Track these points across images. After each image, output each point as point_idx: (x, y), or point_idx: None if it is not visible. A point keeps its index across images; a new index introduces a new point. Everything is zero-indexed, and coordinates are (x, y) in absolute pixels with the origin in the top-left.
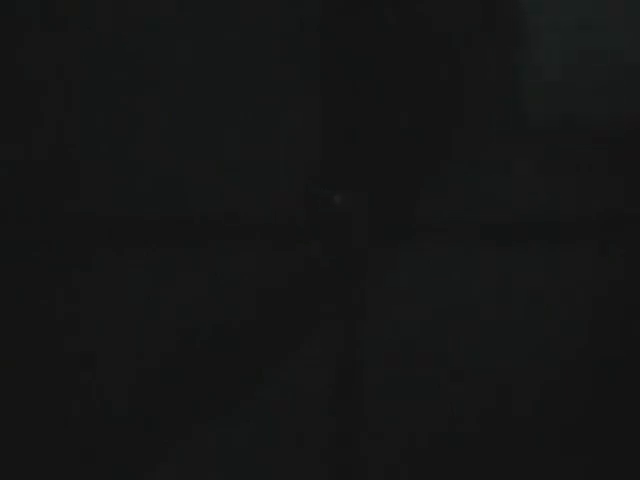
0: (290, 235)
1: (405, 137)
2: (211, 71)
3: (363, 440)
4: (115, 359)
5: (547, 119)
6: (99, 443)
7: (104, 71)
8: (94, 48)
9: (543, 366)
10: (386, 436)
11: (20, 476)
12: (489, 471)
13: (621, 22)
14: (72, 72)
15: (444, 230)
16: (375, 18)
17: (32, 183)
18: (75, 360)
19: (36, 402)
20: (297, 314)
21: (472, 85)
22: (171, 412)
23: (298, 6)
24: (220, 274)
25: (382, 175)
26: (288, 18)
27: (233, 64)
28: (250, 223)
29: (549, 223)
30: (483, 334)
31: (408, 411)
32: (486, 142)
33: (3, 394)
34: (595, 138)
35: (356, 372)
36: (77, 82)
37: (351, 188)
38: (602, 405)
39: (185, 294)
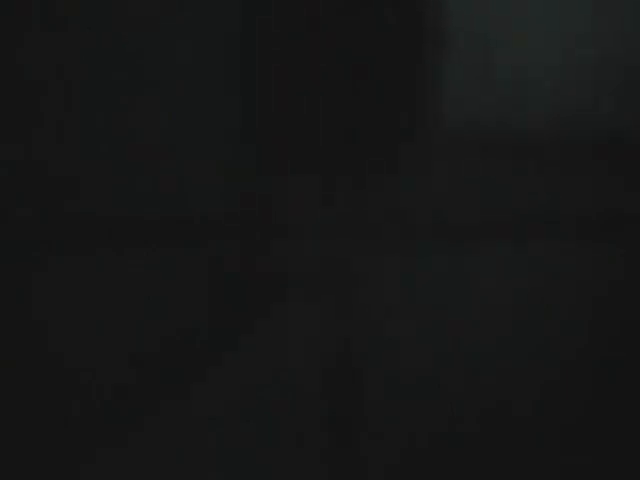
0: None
1: (398, 136)
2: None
3: (363, 440)
4: (114, 359)
5: (540, 121)
6: (99, 443)
7: (104, 71)
8: (94, 48)
9: (543, 366)
10: (386, 436)
11: (17, 476)
12: (489, 471)
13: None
14: (72, 72)
15: (444, 230)
16: (375, 18)
17: (32, 183)
18: (75, 360)
19: (35, 402)
20: (297, 313)
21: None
22: (170, 412)
23: (218, 17)
24: (220, 274)
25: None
26: (209, 26)
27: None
28: (251, 223)
29: (549, 223)
30: (483, 334)
31: (408, 411)
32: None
33: (3, 394)
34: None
35: (356, 372)
36: (77, 82)
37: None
38: (602, 405)
39: (185, 294)
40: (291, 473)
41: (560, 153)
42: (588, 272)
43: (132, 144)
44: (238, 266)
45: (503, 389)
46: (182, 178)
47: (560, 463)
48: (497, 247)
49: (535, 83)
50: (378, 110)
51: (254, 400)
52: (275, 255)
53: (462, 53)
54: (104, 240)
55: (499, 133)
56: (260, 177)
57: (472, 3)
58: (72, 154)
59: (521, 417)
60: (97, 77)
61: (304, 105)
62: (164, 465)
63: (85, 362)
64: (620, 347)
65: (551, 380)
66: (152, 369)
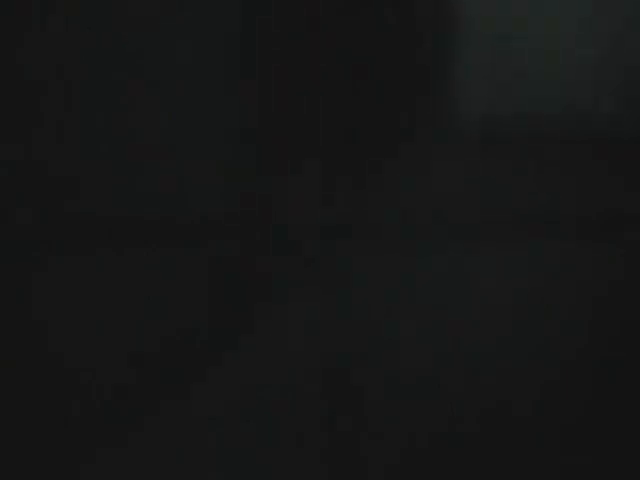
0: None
1: (395, 136)
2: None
3: (363, 440)
4: (114, 359)
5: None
6: (99, 443)
7: (104, 71)
8: (94, 48)
9: (543, 366)
10: (386, 436)
11: (17, 476)
12: (489, 471)
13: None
14: (72, 72)
15: (444, 230)
16: (375, 18)
17: (32, 183)
18: (75, 360)
19: (35, 402)
20: (297, 313)
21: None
22: (170, 412)
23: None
24: (220, 274)
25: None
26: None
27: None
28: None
29: (549, 223)
30: (483, 334)
31: (408, 411)
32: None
33: (3, 394)
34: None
35: (356, 372)
36: (77, 82)
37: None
38: (602, 405)
39: (185, 294)
40: (291, 473)
41: (560, 153)
42: (588, 272)
43: (132, 144)
44: (238, 266)
45: (503, 389)
46: (182, 178)
47: (560, 463)
48: (497, 247)
49: (535, 83)
50: (378, 110)
51: (254, 400)
52: (275, 255)
53: (461, 53)
54: (104, 240)
55: (499, 133)
56: (260, 177)
57: (471, 3)
58: (72, 154)
59: (521, 417)
60: (97, 77)
61: (304, 105)
62: (164, 465)
63: (85, 362)
64: (620, 347)
65: (551, 380)
66: (152, 369)
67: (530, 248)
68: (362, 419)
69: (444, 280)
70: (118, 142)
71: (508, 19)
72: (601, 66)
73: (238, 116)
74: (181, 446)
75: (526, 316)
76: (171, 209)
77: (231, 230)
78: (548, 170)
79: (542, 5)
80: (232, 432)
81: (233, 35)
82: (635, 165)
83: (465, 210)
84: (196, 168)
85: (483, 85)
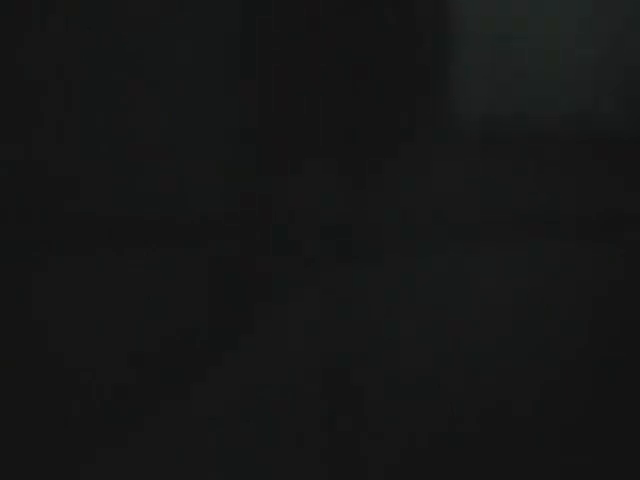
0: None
1: (394, 135)
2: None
3: (363, 440)
4: (114, 359)
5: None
6: (99, 443)
7: (104, 71)
8: (94, 48)
9: (543, 366)
10: (386, 436)
11: (17, 476)
12: (489, 471)
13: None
14: (72, 72)
15: (444, 230)
16: (375, 18)
17: (32, 183)
18: (75, 360)
19: (35, 402)
20: (297, 313)
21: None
22: (170, 412)
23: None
24: (220, 274)
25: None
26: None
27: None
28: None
29: (549, 223)
30: (483, 334)
31: (408, 411)
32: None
33: (3, 394)
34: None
35: (356, 372)
36: (77, 82)
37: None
38: (602, 405)
39: (185, 294)
40: (291, 473)
41: (560, 153)
42: (588, 272)
43: (132, 144)
44: (238, 266)
45: (503, 389)
46: (182, 178)
47: (560, 463)
48: (497, 247)
49: (535, 83)
50: (378, 110)
51: (254, 400)
52: (275, 255)
53: (461, 53)
54: (104, 240)
55: (499, 133)
56: (260, 177)
57: (471, 3)
58: (72, 154)
59: (521, 417)
60: (97, 77)
61: (304, 105)
62: (164, 465)
63: (85, 362)
64: (620, 347)
65: (551, 380)
66: (152, 369)
67: (530, 248)
68: (362, 419)
69: (444, 280)
70: (118, 142)
71: (508, 19)
72: (601, 66)
73: (238, 116)
74: (181, 446)
75: (526, 316)
76: (171, 209)
77: (231, 230)
78: (548, 170)
79: (542, 5)
80: (232, 432)
81: (233, 35)
82: (635, 165)
83: (465, 210)
84: (196, 168)
85: (483, 85)
